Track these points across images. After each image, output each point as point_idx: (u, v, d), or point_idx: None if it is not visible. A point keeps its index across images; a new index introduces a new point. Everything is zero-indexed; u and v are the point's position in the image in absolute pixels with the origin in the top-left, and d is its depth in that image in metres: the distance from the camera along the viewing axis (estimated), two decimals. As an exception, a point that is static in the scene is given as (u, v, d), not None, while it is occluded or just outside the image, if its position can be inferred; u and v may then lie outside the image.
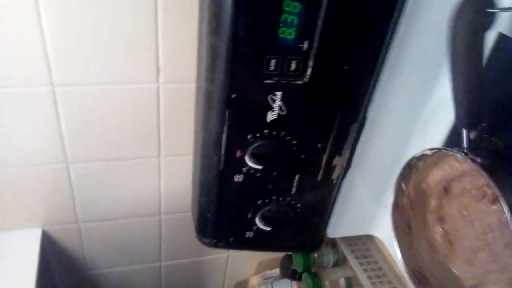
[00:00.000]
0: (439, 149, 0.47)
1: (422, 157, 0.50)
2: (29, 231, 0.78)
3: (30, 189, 0.73)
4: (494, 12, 0.43)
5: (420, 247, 0.55)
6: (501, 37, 0.48)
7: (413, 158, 0.50)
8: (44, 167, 0.71)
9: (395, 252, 0.69)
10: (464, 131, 0.46)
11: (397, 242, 0.54)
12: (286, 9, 0.45)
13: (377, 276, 0.78)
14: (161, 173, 0.78)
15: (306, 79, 0.51)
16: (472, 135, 0.46)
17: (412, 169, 0.52)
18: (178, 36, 0.63)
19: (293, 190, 0.62)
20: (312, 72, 0.50)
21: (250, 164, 0.57)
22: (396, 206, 0.55)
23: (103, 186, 0.77)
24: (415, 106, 0.61)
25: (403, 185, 0.54)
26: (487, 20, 0.43)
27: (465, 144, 0.46)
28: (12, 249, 0.76)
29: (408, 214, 0.55)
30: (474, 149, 0.48)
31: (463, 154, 0.45)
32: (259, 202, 0.63)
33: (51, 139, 0.68)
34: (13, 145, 0.67)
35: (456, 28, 0.43)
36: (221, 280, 1.05)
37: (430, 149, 0.48)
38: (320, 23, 0.47)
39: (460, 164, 0.50)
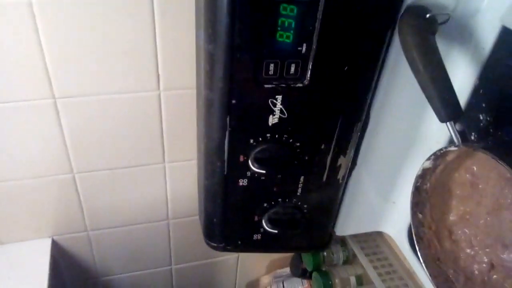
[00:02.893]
0: (435, 153, 0.46)
1: (426, 172, 0.48)
2: (39, 242, 0.79)
3: (38, 201, 0.74)
4: (434, 17, 0.47)
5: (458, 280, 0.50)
6: (504, 31, 0.47)
7: (417, 179, 0.48)
8: (50, 179, 0.72)
9: (405, 248, 0.69)
10: (449, 125, 0.45)
11: (431, 278, 0.50)
12: (283, 12, 0.45)
13: (388, 273, 0.78)
14: (166, 178, 0.78)
15: (306, 82, 0.50)
16: (459, 126, 0.45)
17: (422, 193, 0.50)
18: (177, 42, 0.62)
19: (299, 191, 0.62)
20: (312, 74, 0.50)
21: (254, 168, 0.57)
22: (420, 240, 0.51)
23: (110, 194, 0.77)
24: (419, 101, 0.60)
25: (419, 215, 0.51)
26: (431, 25, 0.47)
27: (454, 138, 0.45)
28: (23, 260, 0.76)
29: (435, 247, 0.52)
30: (477, 141, 0.47)
31: (466, 145, 0.44)
32: (265, 205, 0.63)
33: (56, 150, 0.68)
34: (19, 159, 0.68)
35: (403, 33, 0.46)
36: (232, 281, 1.05)
37: (428, 159, 0.47)
38: (317, 25, 0.46)
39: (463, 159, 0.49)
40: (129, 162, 0.74)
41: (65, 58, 0.60)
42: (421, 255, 0.50)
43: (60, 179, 0.72)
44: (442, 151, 0.47)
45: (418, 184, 0.49)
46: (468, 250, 0.50)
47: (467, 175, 0.50)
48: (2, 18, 0.55)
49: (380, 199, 0.70)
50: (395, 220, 0.71)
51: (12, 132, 0.65)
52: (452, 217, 0.51)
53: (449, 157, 0.48)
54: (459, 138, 0.45)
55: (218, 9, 0.44)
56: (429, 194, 0.50)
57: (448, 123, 0.45)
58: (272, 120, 0.53)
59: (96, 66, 0.61)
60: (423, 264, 0.50)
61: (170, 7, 0.59)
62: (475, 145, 0.46)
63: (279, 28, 0.46)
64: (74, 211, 0.77)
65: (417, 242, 0.51)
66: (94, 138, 0.69)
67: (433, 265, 0.50)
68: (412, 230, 0.51)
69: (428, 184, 0.49)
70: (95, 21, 0.58)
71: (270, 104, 0.52)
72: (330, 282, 0.84)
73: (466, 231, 0.50)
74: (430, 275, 0.50)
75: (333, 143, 0.58)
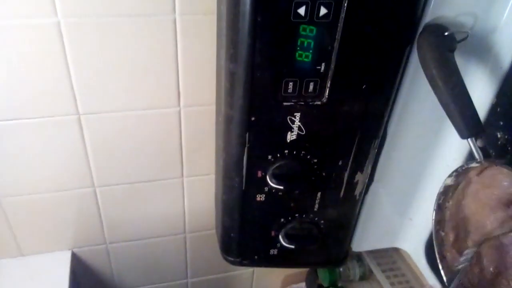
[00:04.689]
0: (456, 170, 0.46)
1: (447, 189, 0.47)
2: (59, 254, 0.80)
3: (59, 214, 0.76)
4: (453, 35, 0.47)
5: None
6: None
7: (439, 196, 0.48)
8: (72, 192, 0.73)
9: (422, 265, 0.69)
10: (470, 141, 0.45)
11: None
12: (303, 33, 0.46)
13: (405, 289, 0.77)
14: (184, 193, 0.79)
15: (324, 100, 0.51)
16: (480, 143, 0.45)
17: (444, 211, 0.49)
18: (198, 60, 0.64)
19: (316, 207, 0.62)
20: (330, 92, 0.51)
21: (272, 184, 0.57)
22: (443, 259, 0.49)
23: (129, 208, 0.78)
24: (436, 118, 0.60)
25: (441, 233, 0.49)
26: (450, 42, 0.47)
27: (476, 154, 0.45)
28: (43, 272, 0.78)
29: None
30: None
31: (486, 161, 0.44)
32: (282, 220, 0.63)
33: (78, 165, 0.70)
34: (41, 172, 0.70)
35: (422, 50, 0.47)
36: (247, 295, 1.05)
37: (450, 175, 0.47)
38: (336, 45, 0.47)
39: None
40: (148, 177, 0.75)
41: (90, 75, 0.62)
42: (444, 274, 0.49)
43: (81, 193, 0.74)
44: (464, 168, 0.46)
45: (440, 201, 0.48)
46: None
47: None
48: (32, 37, 0.57)
49: (397, 215, 0.70)
50: (412, 237, 0.70)
51: (37, 146, 0.67)
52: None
53: (471, 174, 0.48)
54: (481, 154, 0.45)
55: (240, 30, 0.46)
56: (451, 212, 0.50)
57: (469, 139, 0.45)
58: (290, 136, 0.54)
59: (119, 83, 0.63)
60: (446, 284, 0.49)
61: (191, 27, 0.61)
62: (497, 161, 0.46)
63: (298, 48, 0.47)
64: (94, 224, 0.79)
65: (440, 260, 0.50)
66: (115, 153, 0.70)
67: (458, 284, 0.50)
68: (435, 248, 0.50)
69: (450, 202, 0.49)
70: (119, 40, 0.60)
71: (289, 121, 0.53)
72: (346, 298, 0.83)
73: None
74: None
75: (351, 160, 0.58)
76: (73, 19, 0.57)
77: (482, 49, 0.52)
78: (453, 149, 0.59)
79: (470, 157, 0.55)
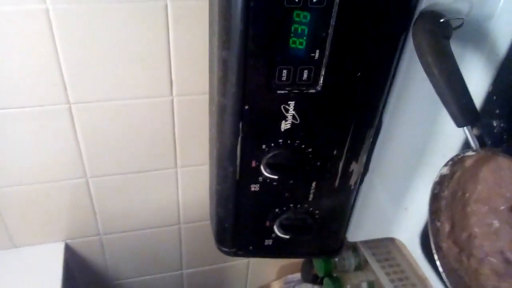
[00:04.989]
0: (452, 159, 0.46)
1: (443, 179, 0.47)
2: (53, 245, 0.80)
3: (52, 205, 0.75)
4: (448, 22, 0.46)
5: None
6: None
7: (434, 185, 0.47)
8: (64, 183, 0.73)
9: (417, 255, 0.69)
10: (466, 130, 0.45)
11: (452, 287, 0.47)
12: (296, 19, 0.45)
13: (400, 279, 0.77)
14: (178, 183, 0.79)
15: (318, 88, 0.50)
16: (476, 131, 0.45)
17: (440, 201, 0.49)
18: (190, 49, 0.63)
19: (311, 197, 0.62)
20: (325, 80, 0.50)
21: (266, 173, 0.57)
22: (439, 249, 0.49)
23: (122, 199, 0.78)
24: (431, 107, 0.60)
25: (437, 223, 0.49)
26: (446, 29, 0.47)
27: (472, 142, 0.45)
28: (36, 264, 0.77)
29: (455, 257, 0.49)
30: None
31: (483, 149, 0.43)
32: (277, 210, 0.63)
33: (70, 155, 0.69)
34: (33, 163, 0.69)
35: (417, 37, 0.46)
36: (242, 286, 1.05)
37: (445, 165, 0.46)
38: (330, 31, 0.46)
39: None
40: (141, 167, 0.74)
41: (81, 64, 0.61)
42: (440, 264, 0.49)
43: (73, 184, 0.73)
44: (459, 157, 0.46)
45: (436, 191, 0.48)
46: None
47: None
48: (20, 25, 0.56)
49: (392, 205, 0.70)
50: (407, 227, 0.70)
51: (28, 137, 0.66)
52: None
53: (467, 163, 0.47)
54: (477, 143, 0.45)
55: (232, 17, 0.45)
56: (447, 201, 0.49)
57: (465, 127, 0.45)
58: (285, 125, 0.54)
59: (110, 72, 0.62)
60: (442, 274, 0.49)
61: (184, 14, 0.60)
62: (493, 149, 0.45)
63: (292, 35, 0.46)
64: (87, 215, 0.78)
65: (436, 251, 0.49)
66: (107, 143, 0.70)
67: (453, 274, 0.49)
68: (430, 239, 0.49)
69: (446, 191, 0.48)
70: (110, 28, 0.59)
71: (283, 110, 0.52)
72: (341, 288, 0.83)
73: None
74: (451, 285, 0.49)
75: (346, 149, 0.58)
76: (63, 5, 0.56)
77: (478, 36, 0.52)
78: (448, 138, 0.59)
79: (466, 146, 0.54)
